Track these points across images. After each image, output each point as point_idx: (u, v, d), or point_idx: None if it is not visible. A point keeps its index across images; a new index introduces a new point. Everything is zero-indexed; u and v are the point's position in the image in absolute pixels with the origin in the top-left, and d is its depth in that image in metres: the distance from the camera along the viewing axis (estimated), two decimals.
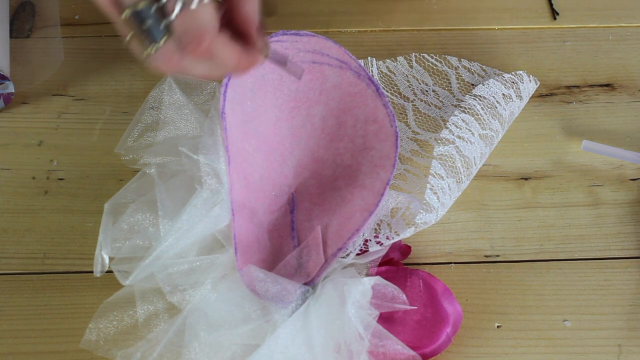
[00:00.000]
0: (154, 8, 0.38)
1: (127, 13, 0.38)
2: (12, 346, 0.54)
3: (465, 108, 0.61)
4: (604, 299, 0.56)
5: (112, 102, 0.67)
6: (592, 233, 0.60)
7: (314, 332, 0.50)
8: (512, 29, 0.73)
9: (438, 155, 0.57)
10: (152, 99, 0.60)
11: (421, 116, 0.65)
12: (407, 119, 0.65)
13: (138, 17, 0.38)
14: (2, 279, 0.57)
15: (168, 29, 0.39)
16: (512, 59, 0.70)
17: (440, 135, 0.58)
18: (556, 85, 0.69)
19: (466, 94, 0.67)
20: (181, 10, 0.37)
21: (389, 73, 0.68)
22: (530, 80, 0.65)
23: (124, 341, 0.51)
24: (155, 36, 0.39)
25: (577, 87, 0.68)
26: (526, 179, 0.63)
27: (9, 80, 0.64)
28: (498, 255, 0.58)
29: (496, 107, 0.61)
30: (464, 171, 0.58)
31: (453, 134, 0.59)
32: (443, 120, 0.65)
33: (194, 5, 0.37)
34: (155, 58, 0.40)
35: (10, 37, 0.70)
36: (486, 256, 0.58)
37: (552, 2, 0.75)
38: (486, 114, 0.61)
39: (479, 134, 0.60)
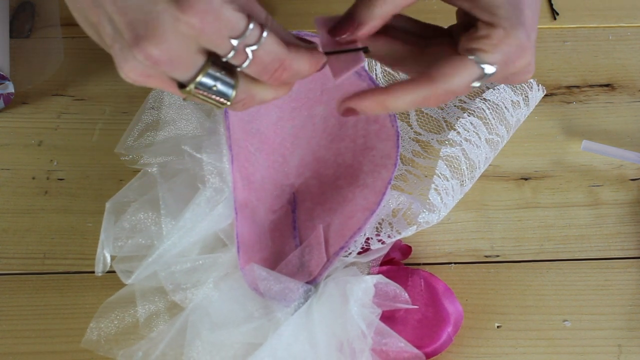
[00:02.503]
0: (219, 72, 0.38)
1: (191, 88, 0.38)
2: (12, 346, 0.54)
3: (474, 111, 0.60)
4: (604, 299, 0.56)
5: (112, 102, 0.67)
6: (592, 233, 0.60)
7: (316, 330, 0.50)
8: None
9: (444, 156, 0.57)
10: (152, 98, 0.60)
11: (423, 117, 0.65)
12: (409, 119, 0.65)
13: (204, 85, 0.38)
14: (2, 279, 0.57)
15: (234, 78, 0.39)
16: None
17: (448, 136, 0.58)
18: (556, 85, 0.69)
19: (469, 95, 0.67)
20: (252, 58, 0.38)
21: (392, 72, 0.68)
22: (538, 89, 0.65)
23: (125, 340, 0.51)
24: (226, 92, 0.39)
25: (577, 87, 0.69)
26: (526, 179, 0.63)
27: (9, 80, 0.64)
28: (498, 256, 0.58)
29: (504, 113, 0.61)
30: (467, 174, 0.58)
31: (461, 136, 0.59)
32: (445, 122, 0.65)
33: (256, 47, 0.37)
34: (231, 108, 0.40)
35: (10, 37, 0.70)
36: (486, 256, 0.58)
37: (552, 2, 0.75)
38: (494, 119, 0.61)
39: (486, 138, 0.60)
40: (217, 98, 0.39)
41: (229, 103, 0.39)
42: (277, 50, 0.38)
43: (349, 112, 0.43)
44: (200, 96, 0.39)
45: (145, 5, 0.35)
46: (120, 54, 0.37)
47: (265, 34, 0.37)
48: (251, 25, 0.37)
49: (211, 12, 0.35)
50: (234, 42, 0.37)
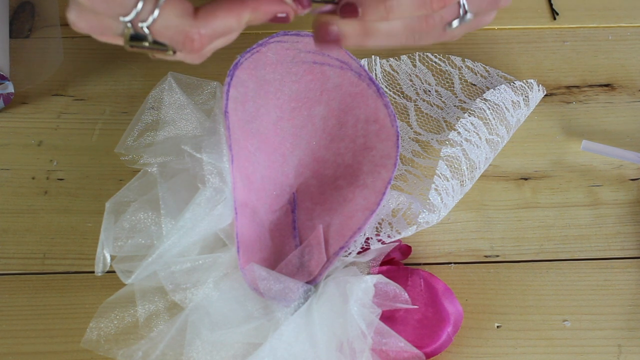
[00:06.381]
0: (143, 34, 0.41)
1: (126, 46, 0.41)
2: (12, 346, 0.54)
3: (475, 111, 0.60)
4: (604, 299, 0.56)
5: (112, 102, 0.67)
6: (592, 233, 0.60)
7: (316, 330, 0.50)
8: (512, 29, 0.73)
9: (445, 156, 0.57)
10: (152, 98, 0.60)
11: (423, 117, 0.65)
12: (409, 118, 0.65)
13: (137, 44, 0.41)
14: (2, 279, 0.57)
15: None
16: (512, 59, 0.70)
17: (449, 136, 0.58)
18: (556, 85, 0.69)
19: (469, 95, 0.67)
20: (150, 33, 0.40)
21: (392, 72, 0.68)
22: (539, 90, 0.65)
23: (125, 340, 0.51)
24: (161, 47, 0.41)
25: (577, 87, 0.69)
26: (526, 179, 0.63)
27: (8, 80, 0.64)
28: (498, 256, 0.58)
29: (504, 113, 0.61)
30: (467, 174, 0.58)
31: (461, 137, 0.59)
32: (445, 122, 0.65)
33: (148, 23, 0.40)
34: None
35: (10, 37, 0.70)
36: (486, 256, 0.58)
37: (552, 2, 0.75)
38: (494, 119, 0.61)
39: (486, 139, 0.60)
40: (157, 50, 0.41)
41: (172, 52, 0.41)
42: (176, 23, 0.39)
43: (324, 32, 0.43)
44: (140, 50, 0.41)
45: None
46: None
47: (156, 12, 0.39)
48: (140, 4, 0.38)
49: None
50: (126, 19, 0.39)
